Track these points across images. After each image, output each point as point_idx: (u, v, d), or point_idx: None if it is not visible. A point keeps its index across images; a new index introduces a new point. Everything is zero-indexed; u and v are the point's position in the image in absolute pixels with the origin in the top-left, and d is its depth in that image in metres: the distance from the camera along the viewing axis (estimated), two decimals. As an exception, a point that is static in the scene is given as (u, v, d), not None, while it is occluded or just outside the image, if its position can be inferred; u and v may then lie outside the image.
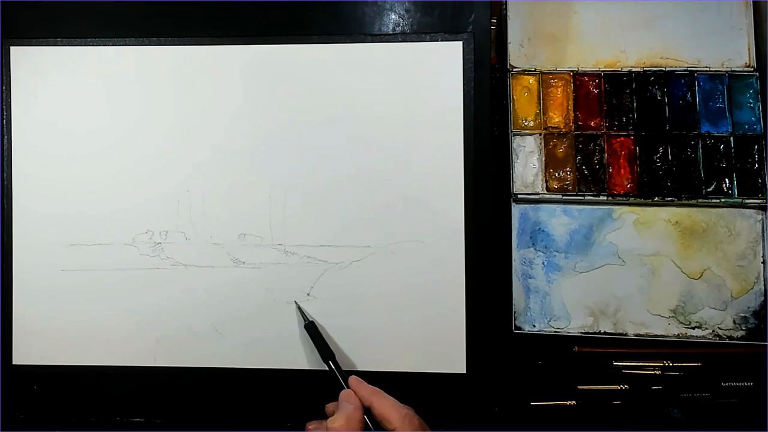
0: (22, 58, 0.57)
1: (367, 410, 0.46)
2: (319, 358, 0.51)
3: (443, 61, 0.55)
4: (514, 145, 0.57)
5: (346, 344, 0.54)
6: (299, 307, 0.54)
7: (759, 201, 0.56)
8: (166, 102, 0.56)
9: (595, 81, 0.58)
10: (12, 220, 0.56)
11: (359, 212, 0.54)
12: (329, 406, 0.50)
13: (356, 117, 0.55)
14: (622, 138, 0.57)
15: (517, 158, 0.57)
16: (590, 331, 0.55)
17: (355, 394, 0.47)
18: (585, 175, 0.57)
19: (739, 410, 0.54)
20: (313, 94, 0.55)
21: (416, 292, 0.54)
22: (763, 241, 0.55)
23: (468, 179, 0.54)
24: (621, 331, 0.55)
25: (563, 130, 0.58)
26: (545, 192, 0.57)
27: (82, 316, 0.55)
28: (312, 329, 0.52)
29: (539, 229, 0.56)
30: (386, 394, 0.47)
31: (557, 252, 0.56)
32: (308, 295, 0.54)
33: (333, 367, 0.50)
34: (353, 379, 0.49)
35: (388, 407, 0.45)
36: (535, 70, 0.59)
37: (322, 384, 0.53)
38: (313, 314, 0.54)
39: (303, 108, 0.55)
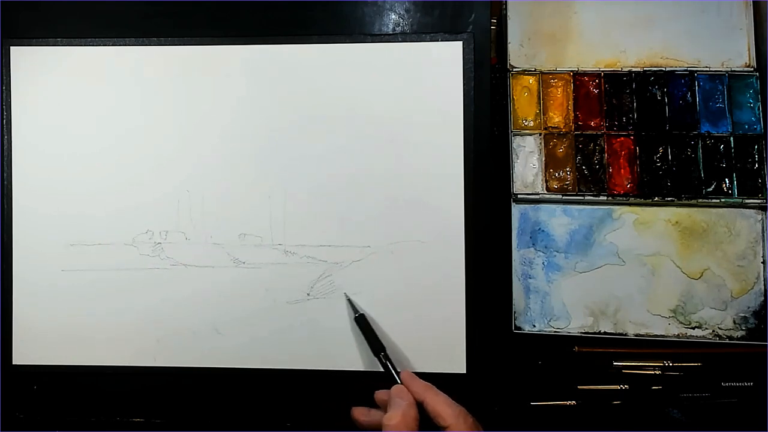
0: (22, 58, 0.57)
1: (419, 406, 0.45)
2: (318, 358, 0.51)
3: (443, 61, 0.55)
4: (514, 145, 0.57)
5: (346, 344, 0.54)
6: (349, 300, 0.53)
7: (759, 201, 0.55)
8: (166, 102, 0.56)
9: (595, 81, 0.58)
10: (12, 220, 0.56)
11: (359, 212, 0.54)
12: (379, 394, 0.48)
13: (356, 117, 0.55)
14: (622, 138, 0.57)
15: (517, 158, 0.57)
16: (590, 331, 0.55)
17: (407, 390, 0.46)
18: (585, 175, 0.57)
19: (739, 410, 0.54)
20: (313, 94, 0.55)
21: (416, 292, 0.54)
22: (763, 241, 0.55)
23: (468, 179, 0.54)
24: (621, 331, 0.55)
25: (563, 130, 0.58)
26: (545, 192, 0.57)
27: (82, 316, 0.55)
28: (362, 322, 0.52)
29: (539, 229, 0.56)
30: (438, 390, 0.46)
31: (557, 252, 0.56)
32: (308, 295, 0.54)
33: (385, 361, 0.50)
34: (405, 374, 0.48)
35: (441, 403, 0.44)
36: (535, 70, 0.59)
37: (322, 384, 0.53)
38: (313, 314, 0.54)
39: (303, 108, 0.55)
